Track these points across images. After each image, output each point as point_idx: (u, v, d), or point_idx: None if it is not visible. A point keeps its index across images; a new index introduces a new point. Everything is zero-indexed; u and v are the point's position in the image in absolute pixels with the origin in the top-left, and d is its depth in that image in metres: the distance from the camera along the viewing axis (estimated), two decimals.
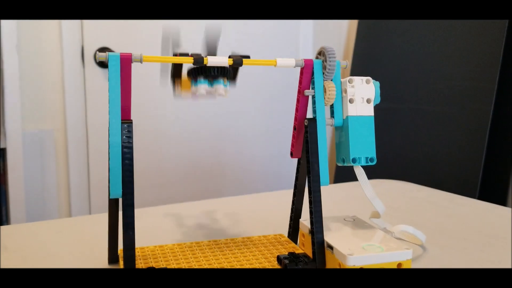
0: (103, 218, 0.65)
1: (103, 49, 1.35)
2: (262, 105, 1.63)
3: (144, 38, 1.40)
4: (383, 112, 1.44)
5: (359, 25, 1.66)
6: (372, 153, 0.47)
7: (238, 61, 0.45)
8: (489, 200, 0.82)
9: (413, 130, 1.41)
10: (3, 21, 1.13)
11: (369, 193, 0.48)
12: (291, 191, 0.54)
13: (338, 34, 1.78)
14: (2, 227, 0.63)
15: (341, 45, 1.79)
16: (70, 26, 1.30)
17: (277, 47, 1.63)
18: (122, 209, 0.40)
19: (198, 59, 0.43)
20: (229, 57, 0.44)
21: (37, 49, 1.28)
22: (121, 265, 0.44)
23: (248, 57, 0.45)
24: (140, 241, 0.49)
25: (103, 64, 1.35)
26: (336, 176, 1.64)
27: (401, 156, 1.43)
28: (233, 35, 1.54)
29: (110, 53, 0.41)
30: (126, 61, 0.42)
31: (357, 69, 1.61)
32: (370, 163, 0.47)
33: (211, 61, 0.44)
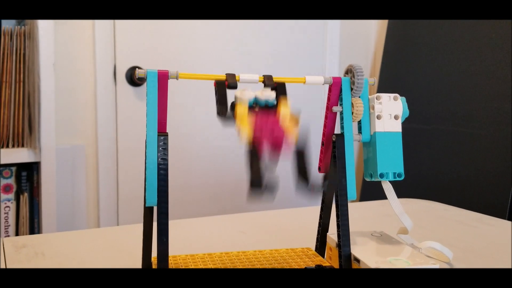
0: (133, 229, 0.67)
1: (134, 68, 1.39)
2: None
3: (174, 58, 1.44)
4: (410, 133, 1.43)
5: (386, 44, 1.67)
6: (400, 169, 0.48)
7: (269, 78, 0.46)
8: None
9: (440, 151, 1.40)
10: (42, 40, 1.18)
11: (397, 208, 0.49)
12: (318, 208, 0.55)
13: (365, 53, 1.79)
14: (37, 235, 0.66)
15: (368, 64, 1.80)
16: (103, 46, 1.35)
17: (304, 65, 1.66)
18: (156, 216, 0.42)
19: (230, 76, 0.45)
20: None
21: (72, 67, 1.33)
22: None
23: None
24: (171, 251, 0.50)
25: (134, 83, 1.39)
26: (362, 194, 1.63)
27: (428, 176, 1.42)
28: (261, 54, 1.57)
29: (149, 70, 0.44)
30: (163, 77, 0.44)
31: (383, 89, 1.61)
32: (398, 179, 0.48)
33: (242, 77, 0.46)
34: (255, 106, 0.44)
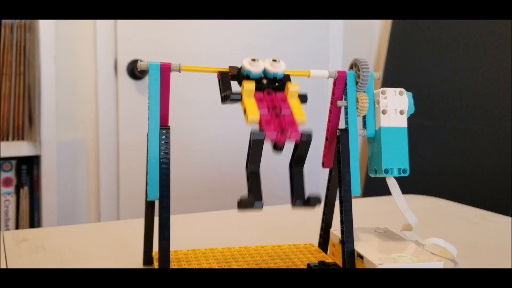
0: (134, 223, 0.66)
1: (135, 61, 1.38)
2: None
3: (175, 51, 1.43)
4: (413, 129, 1.43)
5: (390, 40, 1.66)
6: (405, 164, 0.47)
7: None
8: None
9: (444, 147, 1.39)
10: (42, 33, 1.18)
11: (401, 205, 0.48)
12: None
13: (369, 48, 1.78)
14: (38, 229, 0.65)
15: (371, 59, 1.79)
16: (104, 38, 1.34)
17: (307, 60, 1.65)
18: (158, 211, 0.41)
19: (233, 69, 0.44)
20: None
21: (72, 60, 1.32)
22: (155, 266, 0.45)
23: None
24: (173, 246, 0.50)
25: (135, 76, 1.38)
26: (365, 189, 1.62)
27: (431, 172, 1.41)
28: (264, 48, 1.56)
29: (151, 62, 0.43)
30: (165, 70, 0.43)
31: (387, 85, 1.60)
32: (402, 174, 0.47)
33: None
34: (263, 78, 0.43)
